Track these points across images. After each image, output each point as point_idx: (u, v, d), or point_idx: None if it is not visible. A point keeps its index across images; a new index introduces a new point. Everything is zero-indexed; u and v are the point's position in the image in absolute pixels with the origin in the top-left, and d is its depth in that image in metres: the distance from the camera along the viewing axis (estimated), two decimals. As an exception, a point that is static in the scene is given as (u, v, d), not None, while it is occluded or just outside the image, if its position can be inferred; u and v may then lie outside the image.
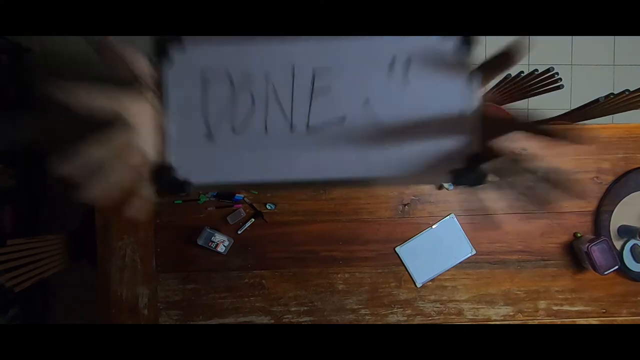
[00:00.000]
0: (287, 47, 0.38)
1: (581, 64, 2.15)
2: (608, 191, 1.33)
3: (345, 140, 0.35)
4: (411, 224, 1.32)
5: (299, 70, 0.36)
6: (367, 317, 1.33)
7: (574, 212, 1.34)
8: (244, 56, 0.38)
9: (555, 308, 1.34)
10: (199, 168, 0.37)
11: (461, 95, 0.39)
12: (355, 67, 0.37)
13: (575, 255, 1.33)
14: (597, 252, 1.25)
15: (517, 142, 0.44)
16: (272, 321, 1.31)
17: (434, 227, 1.32)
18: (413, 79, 0.38)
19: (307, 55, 0.37)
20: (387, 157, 0.35)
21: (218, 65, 0.37)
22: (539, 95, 1.49)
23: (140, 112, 0.35)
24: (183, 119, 0.36)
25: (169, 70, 0.38)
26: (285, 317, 1.32)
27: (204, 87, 0.37)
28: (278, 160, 0.36)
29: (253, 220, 1.30)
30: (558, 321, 1.34)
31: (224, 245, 1.26)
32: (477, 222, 1.33)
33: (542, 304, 1.34)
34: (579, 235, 1.33)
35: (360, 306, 1.32)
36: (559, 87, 1.39)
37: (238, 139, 0.36)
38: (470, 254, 1.32)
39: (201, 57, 0.38)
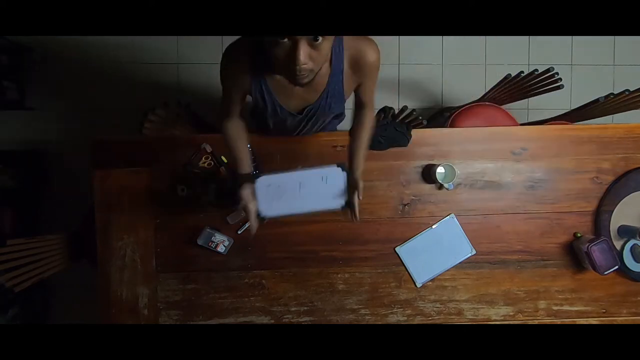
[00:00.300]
0: (288, 176, 1.01)
1: (581, 64, 2.15)
2: (608, 191, 1.33)
3: (315, 197, 1.01)
4: (411, 224, 1.32)
5: (298, 183, 1.01)
6: (367, 317, 1.33)
7: (574, 212, 1.34)
8: (276, 179, 1.01)
9: (555, 308, 1.34)
10: (270, 211, 1.01)
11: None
12: (312, 181, 1.01)
13: (575, 255, 1.33)
14: (597, 252, 1.25)
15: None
16: (272, 321, 1.31)
17: (434, 227, 1.33)
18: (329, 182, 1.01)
19: (296, 179, 1.01)
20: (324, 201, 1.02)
21: (272, 182, 1.01)
22: (539, 95, 1.49)
23: (251, 199, 0.99)
24: (263, 196, 1.00)
25: (258, 183, 1.00)
26: (285, 317, 1.32)
27: (270, 188, 1.00)
28: (294, 204, 1.01)
29: (253, 220, 1.30)
30: (558, 321, 1.34)
31: (224, 245, 1.26)
32: (477, 222, 1.33)
33: (542, 304, 1.34)
34: (579, 235, 1.33)
35: (360, 306, 1.32)
36: (559, 87, 1.39)
37: (281, 199, 1.01)
38: (470, 254, 1.32)
39: (266, 179, 1.01)
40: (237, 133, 1.08)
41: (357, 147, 1.06)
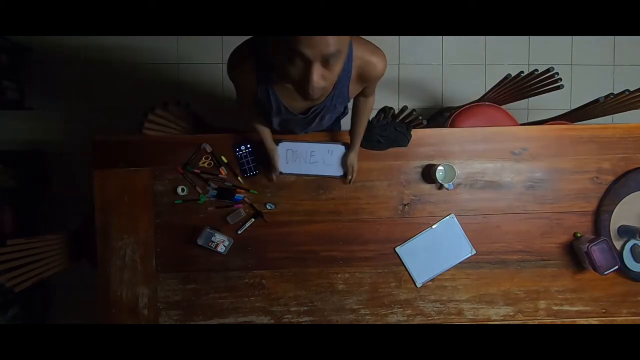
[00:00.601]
0: (303, 145, 1.31)
1: (581, 64, 2.15)
2: (608, 191, 1.33)
3: (321, 164, 1.31)
4: (411, 224, 1.32)
5: (310, 151, 1.30)
6: (367, 317, 1.33)
7: (574, 212, 1.34)
8: (293, 146, 1.30)
9: (555, 308, 1.34)
10: (286, 169, 1.30)
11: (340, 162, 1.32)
12: (321, 152, 1.31)
13: (575, 255, 1.33)
14: (597, 252, 1.25)
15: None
16: (272, 321, 1.31)
17: (434, 227, 1.33)
18: (335, 154, 1.31)
19: (309, 148, 1.30)
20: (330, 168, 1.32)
21: (290, 147, 1.29)
22: (539, 95, 1.49)
23: (277, 160, 1.26)
24: (282, 156, 1.29)
25: (279, 146, 1.29)
26: (285, 317, 1.32)
27: (287, 151, 1.30)
28: (304, 167, 1.31)
29: (253, 220, 1.30)
30: (558, 321, 1.34)
31: (224, 245, 1.26)
32: (477, 222, 1.33)
33: (542, 304, 1.34)
34: (579, 235, 1.33)
35: (360, 306, 1.32)
36: (559, 87, 1.39)
37: (295, 162, 1.30)
38: (470, 254, 1.32)
39: (286, 144, 1.30)
40: (258, 118, 1.19)
41: (358, 132, 1.22)
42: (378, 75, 0.98)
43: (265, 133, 1.23)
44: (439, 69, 2.12)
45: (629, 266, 1.31)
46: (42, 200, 1.99)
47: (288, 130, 1.24)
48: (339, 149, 1.30)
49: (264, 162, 1.30)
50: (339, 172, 1.30)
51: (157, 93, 2.01)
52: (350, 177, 1.28)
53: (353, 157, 1.26)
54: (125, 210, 1.28)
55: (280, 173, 1.29)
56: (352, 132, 1.24)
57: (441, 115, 1.93)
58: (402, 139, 1.30)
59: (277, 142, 1.27)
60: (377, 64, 0.95)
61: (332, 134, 1.32)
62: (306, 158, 1.30)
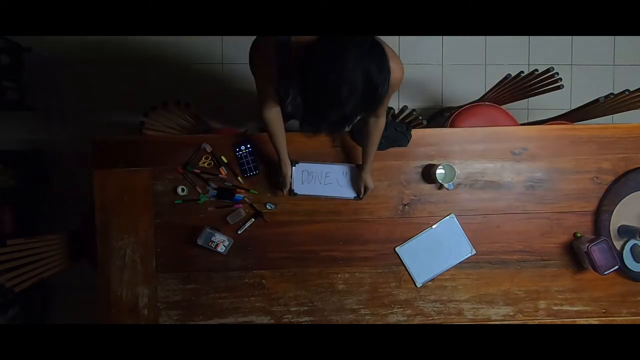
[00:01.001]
0: (318, 166, 1.32)
1: (581, 64, 2.15)
2: (608, 191, 1.33)
3: (335, 186, 1.32)
4: (411, 224, 1.32)
5: (325, 173, 1.31)
6: (367, 317, 1.33)
7: (574, 212, 1.34)
8: (309, 167, 1.31)
9: (555, 308, 1.34)
10: (300, 190, 1.30)
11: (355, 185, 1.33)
12: (335, 173, 1.32)
13: (575, 255, 1.33)
14: (597, 252, 1.25)
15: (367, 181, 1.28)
16: (272, 321, 1.31)
17: (434, 227, 1.33)
18: (347, 175, 1.32)
19: (324, 170, 1.31)
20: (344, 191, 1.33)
21: (306, 168, 1.30)
22: (539, 95, 1.49)
23: (288, 174, 1.25)
24: (297, 177, 1.30)
25: (295, 167, 1.30)
26: (285, 317, 1.32)
27: (303, 173, 1.30)
28: (319, 188, 1.31)
29: (253, 220, 1.30)
30: (558, 321, 1.34)
31: (224, 245, 1.26)
32: (477, 222, 1.33)
33: (542, 304, 1.34)
34: (579, 235, 1.33)
35: (360, 306, 1.32)
36: (559, 87, 1.39)
37: (310, 183, 1.31)
38: (470, 254, 1.32)
39: (302, 166, 1.30)
40: (277, 128, 1.17)
41: (369, 153, 1.21)
42: (395, 83, 0.97)
43: (283, 147, 1.22)
44: (439, 69, 2.12)
45: (629, 266, 1.31)
46: (42, 200, 1.98)
47: (292, 115, 1.24)
48: (353, 171, 1.31)
49: (265, 162, 1.30)
50: (352, 194, 1.31)
51: (157, 93, 2.01)
52: (362, 197, 1.29)
53: (366, 178, 1.26)
54: (125, 210, 1.28)
55: (295, 194, 1.30)
56: (364, 153, 1.24)
57: (441, 115, 1.93)
58: (402, 139, 1.30)
59: (293, 163, 1.27)
60: (395, 72, 0.93)
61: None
62: (321, 179, 1.31)
